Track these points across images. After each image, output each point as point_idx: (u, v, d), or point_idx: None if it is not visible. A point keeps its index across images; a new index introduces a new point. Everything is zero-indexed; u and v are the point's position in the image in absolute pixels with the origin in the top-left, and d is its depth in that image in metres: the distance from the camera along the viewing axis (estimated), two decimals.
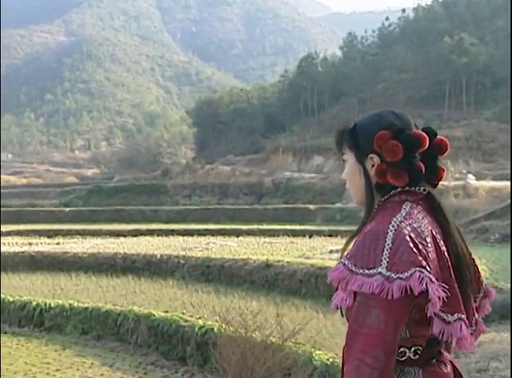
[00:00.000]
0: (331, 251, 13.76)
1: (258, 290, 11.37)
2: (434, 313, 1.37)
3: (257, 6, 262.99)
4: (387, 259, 1.34)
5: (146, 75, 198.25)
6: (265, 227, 22.95)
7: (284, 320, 6.92)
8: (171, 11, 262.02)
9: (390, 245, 1.35)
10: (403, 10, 68.72)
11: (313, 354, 5.92)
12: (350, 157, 1.62)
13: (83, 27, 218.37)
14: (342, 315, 1.49)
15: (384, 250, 1.35)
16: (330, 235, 18.83)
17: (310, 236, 18.77)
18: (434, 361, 1.50)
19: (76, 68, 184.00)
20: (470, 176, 27.05)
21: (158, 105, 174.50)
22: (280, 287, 11.35)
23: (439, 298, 1.34)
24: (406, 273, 1.32)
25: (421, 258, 1.35)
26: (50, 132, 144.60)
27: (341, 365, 1.59)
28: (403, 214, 1.44)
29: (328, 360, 5.74)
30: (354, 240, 1.55)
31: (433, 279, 1.34)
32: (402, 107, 49.41)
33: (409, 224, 1.41)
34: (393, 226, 1.39)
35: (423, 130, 1.58)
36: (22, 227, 25.54)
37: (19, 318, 10.16)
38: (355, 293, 1.38)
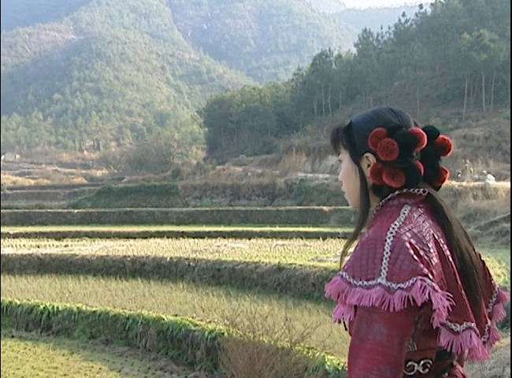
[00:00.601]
0: None
1: (270, 294, 11.40)
2: (441, 324, 1.31)
3: (269, 3, 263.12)
4: (387, 268, 1.28)
5: (156, 73, 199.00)
6: (277, 229, 22.97)
7: (296, 324, 6.94)
8: (181, 8, 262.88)
9: (389, 253, 1.29)
10: (420, 6, 68.32)
11: (326, 359, 5.93)
12: (345, 157, 1.57)
13: (92, 25, 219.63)
14: (345, 329, 1.43)
15: (382, 259, 1.29)
16: (344, 238, 18.77)
17: (324, 239, 18.78)
18: (446, 374, 1.44)
19: (84, 67, 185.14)
20: (490, 176, 26.83)
21: (169, 104, 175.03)
22: (293, 290, 11.38)
23: (445, 308, 1.28)
24: (407, 283, 1.26)
25: (422, 266, 1.29)
26: (59, 132, 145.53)
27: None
28: (402, 219, 1.38)
29: (338, 365, 5.75)
30: (352, 244, 1.51)
31: (436, 288, 1.28)
32: (419, 106, 49.27)
33: (409, 230, 1.35)
34: (391, 232, 1.33)
35: (425, 129, 1.51)
36: (30, 229, 25.77)
37: (26, 322, 10.24)
38: (356, 306, 1.32)
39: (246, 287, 12.19)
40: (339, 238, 18.93)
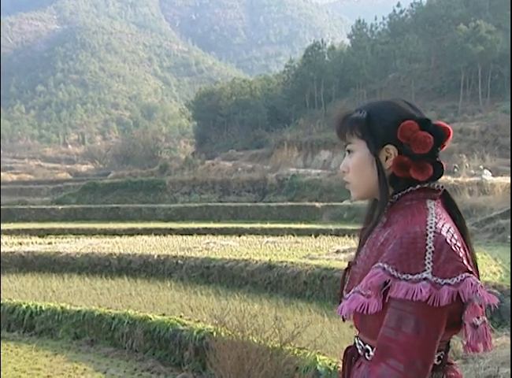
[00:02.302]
0: (337, 251, 13.80)
1: (261, 293, 11.41)
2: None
3: None
4: (431, 263, 1.33)
5: (143, 65, 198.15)
6: (268, 226, 22.97)
7: (287, 324, 6.95)
8: None
9: (432, 248, 1.34)
10: None
11: (317, 359, 5.94)
12: (359, 148, 1.57)
13: (77, 14, 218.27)
14: (343, 320, 1.50)
15: (426, 254, 1.33)
16: (337, 235, 18.89)
17: (316, 236, 18.79)
18: (447, 364, 1.51)
19: (69, 58, 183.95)
20: (486, 171, 26.95)
21: (156, 97, 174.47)
22: (284, 289, 11.39)
23: (487, 305, 1.36)
24: (454, 279, 1.32)
25: (466, 262, 1.35)
26: (42, 126, 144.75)
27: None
28: (434, 214, 1.42)
29: (330, 365, 5.77)
30: (369, 238, 1.55)
31: (482, 285, 1.34)
32: (414, 99, 49.32)
33: (443, 225, 1.39)
34: (431, 228, 1.37)
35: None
36: (12, 226, 25.63)
37: (8, 322, 10.20)
38: (383, 298, 1.37)
39: (236, 286, 12.20)
40: (331, 235, 18.98)
